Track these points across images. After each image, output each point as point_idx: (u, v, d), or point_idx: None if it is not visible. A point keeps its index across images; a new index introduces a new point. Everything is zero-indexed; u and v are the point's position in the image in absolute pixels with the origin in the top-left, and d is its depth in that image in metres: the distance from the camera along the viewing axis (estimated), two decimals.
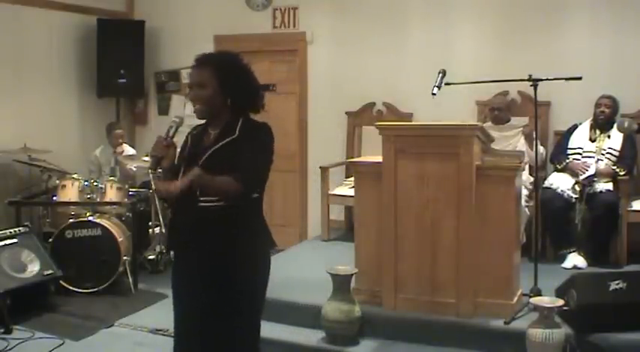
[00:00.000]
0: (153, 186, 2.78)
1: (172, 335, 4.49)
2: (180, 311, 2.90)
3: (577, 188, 5.16)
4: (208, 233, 2.68)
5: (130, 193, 5.85)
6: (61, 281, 5.21)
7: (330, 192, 6.05)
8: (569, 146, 5.40)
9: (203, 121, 2.81)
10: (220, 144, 2.69)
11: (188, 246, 2.77)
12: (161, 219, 5.91)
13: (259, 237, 2.76)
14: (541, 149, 5.18)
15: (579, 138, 5.38)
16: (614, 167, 5.19)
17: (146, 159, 6.06)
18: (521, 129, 5.38)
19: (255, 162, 2.66)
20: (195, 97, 2.72)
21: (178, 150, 2.82)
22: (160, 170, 2.75)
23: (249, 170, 2.63)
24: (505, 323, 3.93)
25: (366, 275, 4.25)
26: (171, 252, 2.98)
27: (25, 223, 5.38)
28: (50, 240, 5.41)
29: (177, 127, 2.78)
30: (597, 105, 5.33)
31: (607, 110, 5.29)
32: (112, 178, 5.91)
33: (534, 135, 4.57)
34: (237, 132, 2.69)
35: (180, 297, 2.90)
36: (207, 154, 2.70)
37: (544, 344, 3.63)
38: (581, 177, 5.17)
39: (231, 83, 2.70)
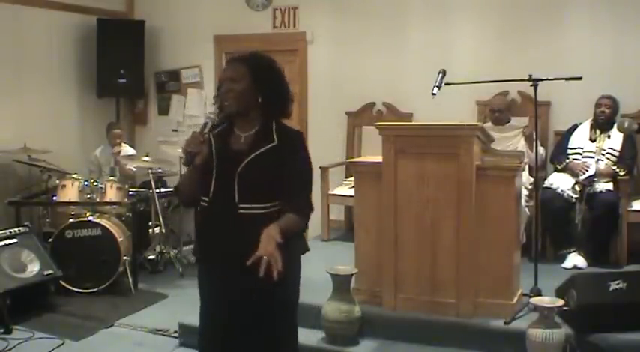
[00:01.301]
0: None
1: (172, 335, 4.53)
2: (216, 322, 2.75)
3: (577, 188, 5.16)
4: (250, 239, 2.53)
5: (130, 193, 5.86)
6: (61, 281, 5.21)
7: (330, 192, 6.05)
8: (569, 146, 5.40)
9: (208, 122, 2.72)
10: (261, 150, 2.61)
11: (226, 254, 2.65)
12: (161, 219, 5.92)
13: (296, 240, 2.70)
14: (541, 149, 5.17)
15: (579, 138, 5.38)
16: (614, 167, 5.19)
17: (146, 159, 6.08)
18: (522, 129, 5.38)
19: (307, 180, 2.68)
20: (227, 91, 2.65)
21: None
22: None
23: (305, 190, 2.66)
24: (505, 323, 3.93)
25: (366, 275, 4.25)
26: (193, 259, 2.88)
27: (25, 223, 5.37)
28: (50, 240, 5.41)
29: (213, 123, 2.70)
30: (597, 105, 5.33)
31: (607, 110, 5.29)
32: (112, 178, 5.92)
33: (534, 136, 4.56)
34: (275, 138, 2.63)
35: (217, 306, 2.75)
36: (248, 160, 2.61)
37: (544, 344, 3.63)
38: (581, 178, 5.17)
39: (265, 82, 2.65)
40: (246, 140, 2.67)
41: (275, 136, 2.63)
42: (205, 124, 2.66)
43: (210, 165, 2.67)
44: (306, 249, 2.82)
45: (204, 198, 2.68)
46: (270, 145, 2.62)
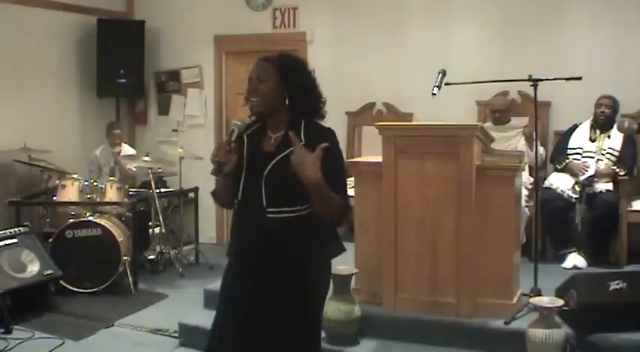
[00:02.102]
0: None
1: (172, 335, 4.53)
2: (239, 322, 2.68)
3: (577, 188, 5.16)
4: (278, 243, 2.56)
5: (130, 193, 5.86)
6: (61, 281, 5.21)
7: None
8: (569, 146, 5.40)
9: (249, 122, 2.72)
10: (287, 151, 2.54)
11: (256, 257, 2.63)
12: (161, 219, 5.92)
13: (326, 244, 2.66)
14: (541, 149, 5.17)
15: (579, 139, 5.38)
16: (614, 167, 5.19)
17: (146, 159, 6.08)
18: (522, 129, 5.38)
19: (341, 178, 2.64)
20: (253, 90, 2.63)
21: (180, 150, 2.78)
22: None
23: (343, 186, 2.62)
24: (505, 323, 3.93)
25: (366, 275, 4.24)
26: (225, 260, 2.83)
27: (25, 223, 5.38)
28: (50, 240, 5.42)
29: (240, 132, 2.67)
30: (597, 105, 5.33)
31: (607, 110, 5.29)
32: (112, 178, 5.92)
33: (534, 136, 4.56)
34: (302, 138, 2.56)
35: (241, 307, 2.68)
36: (274, 162, 2.58)
37: (544, 344, 3.63)
38: (581, 178, 5.17)
39: (292, 81, 2.63)
40: (275, 141, 2.64)
41: (303, 136, 2.56)
42: (232, 132, 2.64)
43: (241, 166, 2.64)
44: (341, 250, 2.75)
45: (235, 200, 2.65)
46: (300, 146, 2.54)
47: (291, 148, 2.50)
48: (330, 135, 2.62)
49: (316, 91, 2.71)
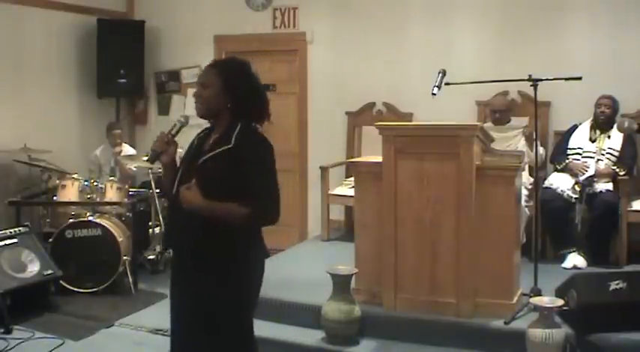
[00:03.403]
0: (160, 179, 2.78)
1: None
2: (172, 315, 2.94)
3: (577, 188, 5.16)
4: (197, 237, 2.66)
5: (130, 193, 5.85)
6: (61, 281, 5.21)
7: (330, 192, 6.05)
8: (569, 146, 5.40)
9: (205, 123, 2.81)
10: (214, 152, 2.65)
11: (178, 249, 2.82)
12: (161, 219, 5.92)
13: (244, 246, 2.67)
14: (541, 149, 5.17)
15: (579, 139, 5.38)
16: (614, 167, 5.19)
17: (146, 159, 6.07)
18: (522, 129, 5.38)
19: (267, 187, 2.61)
20: (197, 95, 2.74)
21: (181, 150, 2.82)
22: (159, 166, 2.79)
23: (262, 195, 2.59)
24: (505, 323, 3.93)
25: (366, 275, 4.25)
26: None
27: (25, 223, 5.37)
28: (50, 240, 5.41)
29: (182, 126, 2.81)
30: (597, 105, 5.33)
31: (607, 110, 5.29)
32: (112, 178, 5.92)
33: (534, 136, 4.56)
34: (232, 141, 2.64)
35: (172, 300, 2.93)
36: (200, 162, 2.68)
37: (544, 344, 3.63)
38: (581, 178, 5.17)
39: (234, 86, 2.69)
40: (213, 141, 2.72)
41: (234, 139, 2.64)
42: (174, 126, 2.79)
43: (179, 166, 2.79)
44: (265, 255, 2.78)
45: (169, 195, 2.80)
46: (224, 148, 2.64)
47: (221, 148, 2.62)
48: (260, 144, 2.67)
49: (258, 95, 2.76)
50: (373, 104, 6.40)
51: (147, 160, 2.82)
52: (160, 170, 6.13)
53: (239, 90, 2.69)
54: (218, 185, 2.59)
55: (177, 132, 2.79)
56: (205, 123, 2.82)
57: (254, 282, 2.74)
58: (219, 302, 2.66)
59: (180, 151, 2.84)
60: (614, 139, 5.25)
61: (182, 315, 2.80)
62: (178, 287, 2.86)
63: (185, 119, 2.85)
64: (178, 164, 2.81)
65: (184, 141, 2.87)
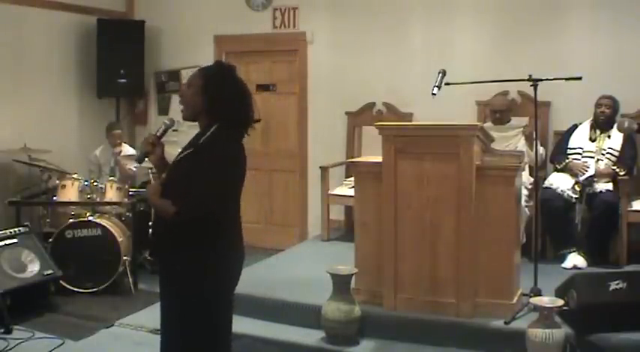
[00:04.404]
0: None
1: None
2: None
3: (577, 188, 5.16)
4: (159, 238, 2.79)
5: (130, 193, 5.85)
6: (61, 281, 5.21)
7: (330, 192, 6.05)
8: (569, 146, 5.40)
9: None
10: (180, 156, 2.72)
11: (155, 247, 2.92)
12: None
13: (203, 253, 2.68)
14: (541, 149, 5.18)
15: (579, 138, 5.38)
16: (614, 167, 5.19)
17: (146, 159, 6.07)
18: (522, 129, 5.38)
19: (198, 185, 2.63)
20: (180, 94, 2.84)
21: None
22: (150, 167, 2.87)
23: (189, 194, 2.62)
24: (505, 323, 3.93)
25: (366, 275, 4.25)
26: None
27: (25, 223, 5.37)
28: (50, 240, 5.41)
29: (167, 128, 2.89)
30: (598, 105, 5.33)
31: (607, 110, 5.29)
32: (112, 178, 5.91)
33: (534, 136, 4.56)
34: (197, 145, 2.69)
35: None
36: (170, 165, 2.78)
37: (544, 344, 3.64)
38: (581, 178, 5.17)
39: (210, 86, 2.72)
40: (187, 144, 2.78)
41: (200, 143, 2.69)
42: (160, 127, 2.88)
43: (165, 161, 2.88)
44: (233, 254, 2.80)
45: None
46: (188, 151, 2.70)
47: (186, 152, 2.70)
48: (215, 147, 2.67)
49: (236, 98, 2.75)
50: (373, 104, 6.39)
51: (134, 160, 2.91)
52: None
53: (215, 91, 2.71)
54: (176, 186, 2.67)
55: (164, 133, 2.87)
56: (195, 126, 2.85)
57: (216, 282, 2.73)
58: (176, 300, 2.72)
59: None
60: (614, 139, 5.25)
61: (161, 312, 2.84)
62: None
63: (170, 121, 2.92)
64: None
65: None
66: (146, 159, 2.88)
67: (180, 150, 2.83)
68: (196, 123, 2.81)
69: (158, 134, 2.85)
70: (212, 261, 2.69)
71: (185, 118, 2.80)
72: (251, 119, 2.77)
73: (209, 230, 2.67)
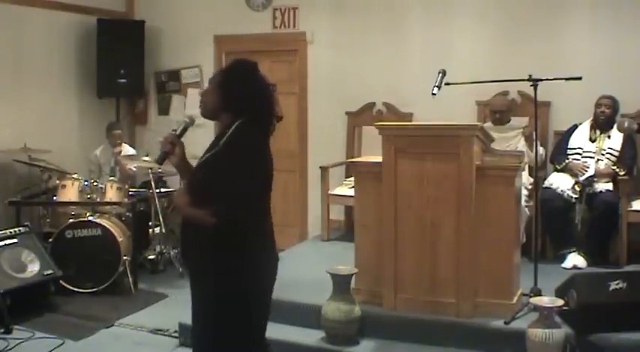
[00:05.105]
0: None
1: (172, 335, 4.56)
2: None
3: (577, 188, 5.16)
4: (187, 243, 2.69)
5: (130, 193, 5.85)
6: (61, 281, 5.21)
7: (330, 192, 6.05)
8: (569, 146, 5.40)
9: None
10: (204, 158, 2.64)
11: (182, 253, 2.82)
12: (161, 219, 5.92)
13: (235, 255, 2.60)
14: (541, 149, 5.17)
15: (579, 139, 5.37)
16: (614, 167, 5.19)
17: (146, 158, 6.08)
18: (522, 130, 5.38)
19: (234, 190, 2.53)
20: (200, 92, 2.76)
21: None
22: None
23: (229, 203, 2.52)
24: (505, 323, 3.93)
25: (366, 275, 4.24)
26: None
27: (25, 223, 5.37)
28: (50, 240, 5.41)
29: (187, 127, 2.78)
30: (598, 105, 5.33)
31: (607, 110, 5.28)
32: (112, 178, 5.92)
33: (534, 136, 4.56)
34: (221, 144, 2.61)
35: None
36: (195, 168, 2.68)
37: (544, 344, 3.63)
38: (581, 178, 5.16)
39: (228, 82, 2.67)
40: (210, 144, 2.72)
41: (222, 142, 2.61)
42: (179, 126, 2.79)
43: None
44: (267, 260, 2.73)
45: None
46: (212, 152, 2.63)
47: (211, 152, 2.61)
48: (239, 145, 2.59)
49: (255, 94, 2.68)
50: (373, 104, 6.39)
51: (155, 161, 2.78)
52: (160, 170, 6.19)
53: (234, 88, 2.65)
54: (203, 191, 2.58)
55: (183, 132, 2.76)
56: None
57: (251, 288, 2.66)
58: (211, 306, 2.63)
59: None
60: (614, 139, 5.25)
61: (192, 316, 2.76)
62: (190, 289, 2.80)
63: (190, 119, 2.81)
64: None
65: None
66: (166, 160, 2.76)
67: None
68: (200, 123, 2.79)
69: (178, 133, 2.75)
70: (244, 263, 2.61)
71: (204, 115, 2.74)
72: (273, 115, 2.71)
73: (240, 231, 2.59)
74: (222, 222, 2.50)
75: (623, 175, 5.13)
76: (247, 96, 2.65)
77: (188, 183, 2.66)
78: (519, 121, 5.58)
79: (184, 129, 2.77)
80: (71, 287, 5.30)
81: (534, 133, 4.58)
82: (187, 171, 2.75)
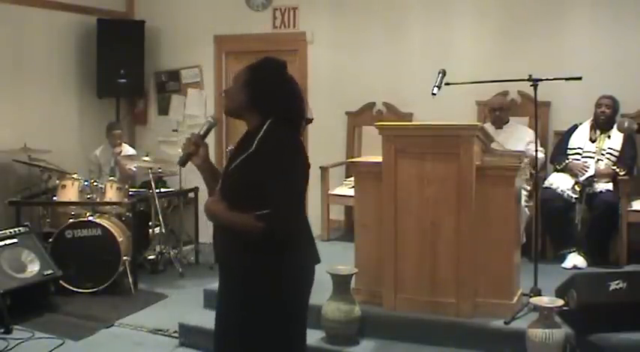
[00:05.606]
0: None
1: (172, 335, 4.55)
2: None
3: (577, 188, 5.16)
4: (222, 248, 2.60)
5: (130, 193, 5.86)
6: (61, 281, 5.21)
7: (330, 192, 6.05)
8: (569, 146, 5.40)
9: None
10: (236, 162, 2.52)
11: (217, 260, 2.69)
12: (161, 219, 5.92)
13: (269, 259, 2.51)
14: (540, 153, 5.17)
15: (579, 139, 5.37)
16: (614, 167, 5.18)
17: (146, 158, 6.08)
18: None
19: (279, 192, 2.43)
20: (225, 91, 2.68)
21: (231, 147, 2.73)
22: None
23: (276, 206, 2.42)
24: (505, 323, 3.93)
25: (366, 275, 4.24)
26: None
27: (25, 223, 5.38)
28: (50, 240, 5.41)
29: (211, 127, 2.69)
30: (598, 105, 5.33)
31: (608, 110, 5.28)
32: (112, 178, 5.92)
33: (534, 136, 4.56)
34: (254, 145, 2.50)
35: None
36: (225, 174, 2.56)
37: (544, 344, 3.63)
38: (581, 178, 5.16)
39: (254, 80, 2.58)
40: (237, 143, 2.64)
41: (256, 142, 2.50)
42: (203, 126, 2.68)
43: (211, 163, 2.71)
44: (303, 263, 2.71)
45: None
46: (245, 154, 2.50)
47: (244, 154, 2.49)
48: (277, 144, 2.50)
49: (284, 94, 2.60)
50: (373, 104, 6.40)
51: (177, 163, 2.69)
52: (159, 170, 6.19)
53: (260, 86, 2.57)
54: (241, 195, 2.48)
55: (207, 132, 2.67)
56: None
57: (287, 293, 2.59)
58: (246, 313, 2.53)
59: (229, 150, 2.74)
60: (614, 139, 5.25)
61: (220, 328, 2.68)
62: (219, 295, 2.71)
63: (214, 119, 2.73)
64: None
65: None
66: (189, 161, 2.65)
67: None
68: (196, 125, 2.75)
69: (201, 133, 2.65)
70: (281, 268, 2.54)
71: (227, 114, 2.68)
72: (303, 113, 2.63)
73: (285, 233, 2.52)
74: (272, 225, 2.43)
75: (623, 175, 5.13)
76: (274, 94, 2.58)
77: (221, 188, 2.55)
78: (519, 121, 5.58)
79: (208, 130, 2.67)
80: (71, 287, 5.30)
81: (535, 133, 4.57)
82: (210, 173, 2.67)
